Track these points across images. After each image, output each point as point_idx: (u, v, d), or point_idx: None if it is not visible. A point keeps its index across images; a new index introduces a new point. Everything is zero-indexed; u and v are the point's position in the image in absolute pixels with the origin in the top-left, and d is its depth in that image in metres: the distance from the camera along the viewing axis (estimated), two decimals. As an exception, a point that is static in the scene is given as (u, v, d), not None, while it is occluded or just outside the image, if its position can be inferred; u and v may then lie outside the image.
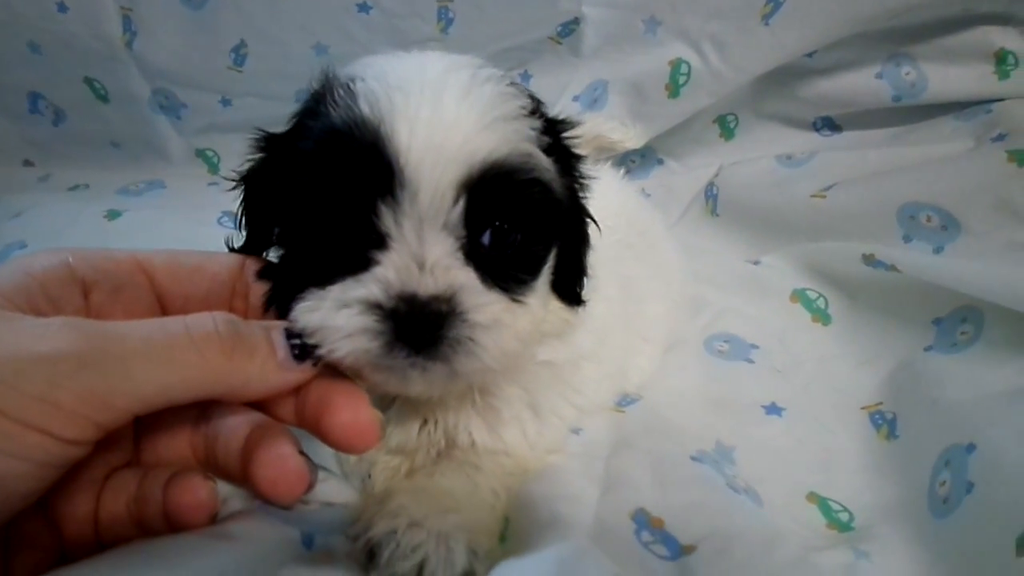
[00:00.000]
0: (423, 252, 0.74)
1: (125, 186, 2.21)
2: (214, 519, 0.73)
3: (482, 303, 0.75)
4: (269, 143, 0.88)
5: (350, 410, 0.72)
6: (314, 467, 0.72)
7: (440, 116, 0.75)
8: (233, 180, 0.91)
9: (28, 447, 0.59)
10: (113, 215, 1.85)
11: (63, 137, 2.44)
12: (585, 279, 0.97)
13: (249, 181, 0.89)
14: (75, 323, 0.64)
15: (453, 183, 0.74)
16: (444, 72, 0.80)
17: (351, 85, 0.79)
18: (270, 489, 0.70)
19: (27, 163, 2.51)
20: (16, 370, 0.59)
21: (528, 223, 0.81)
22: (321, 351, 0.73)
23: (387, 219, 0.74)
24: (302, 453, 0.72)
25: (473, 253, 0.77)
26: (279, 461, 0.70)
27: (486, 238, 0.78)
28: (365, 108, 0.75)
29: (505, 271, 0.80)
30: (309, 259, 0.79)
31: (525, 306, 0.82)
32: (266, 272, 0.84)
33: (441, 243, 0.75)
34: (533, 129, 0.82)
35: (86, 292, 0.77)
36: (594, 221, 0.97)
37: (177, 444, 0.78)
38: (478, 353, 0.75)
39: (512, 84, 0.86)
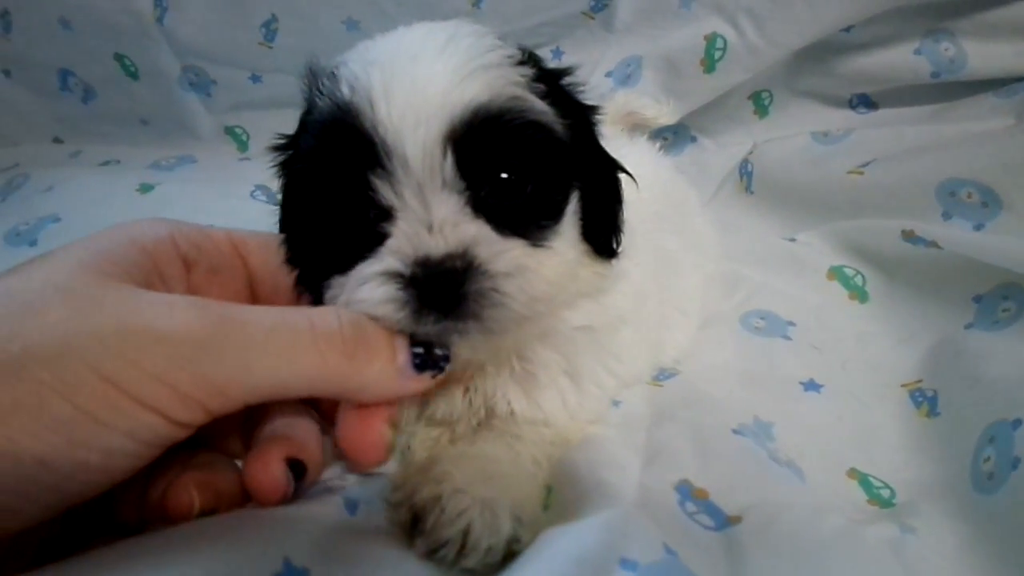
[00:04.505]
0: (429, 214, 0.74)
1: (156, 161, 2.21)
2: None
3: (498, 251, 0.75)
4: (284, 148, 0.89)
5: (361, 420, 0.74)
6: (292, 481, 0.75)
7: (415, 76, 0.75)
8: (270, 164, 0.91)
9: (138, 425, 0.60)
10: (146, 188, 1.86)
11: (93, 114, 2.45)
12: (619, 234, 0.94)
13: (284, 202, 0.90)
14: (200, 304, 0.65)
15: (439, 138, 0.73)
16: (421, 38, 0.80)
17: (335, 72, 0.79)
18: (250, 490, 0.74)
19: (57, 140, 2.53)
20: (138, 346, 0.59)
21: (531, 165, 0.79)
22: (445, 363, 0.75)
23: (386, 191, 0.75)
24: (294, 462, 0.74)
25: (482, 205, 0.76)
26: (262, 467, 0.73)
27: (491, 187, 0.77)
28: (346, 90, 0.76)
29: (521, 218, 0.79)
30: (329, 249, 0.79)
31: (550, 250, 0.81)
32: (293, 259, 0.85)
33: (445, 201, 0.75)
34: (523, 76, 0.81)
35: (187, 269, 0.78)
36: (627, 173, 0.95)
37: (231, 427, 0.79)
38: (505, 302, 0.74)
39: (499, 38, 0.85)
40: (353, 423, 0.74)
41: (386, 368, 0.71)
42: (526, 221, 0.80)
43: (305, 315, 0.69)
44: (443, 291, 0.73)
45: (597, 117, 0.94)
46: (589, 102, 0.94)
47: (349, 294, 0.75)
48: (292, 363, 0.66)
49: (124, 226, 0.75)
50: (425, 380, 0.74)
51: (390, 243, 0.75)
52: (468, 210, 0.76)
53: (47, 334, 0.58)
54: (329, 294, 0.78)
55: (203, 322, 0.63)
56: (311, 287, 0.83)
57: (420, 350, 0.73)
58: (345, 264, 0.77)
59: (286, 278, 0.86)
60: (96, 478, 0.61)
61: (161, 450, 0.64)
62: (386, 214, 0.76)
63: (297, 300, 0.85)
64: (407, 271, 0.72)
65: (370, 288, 0.73)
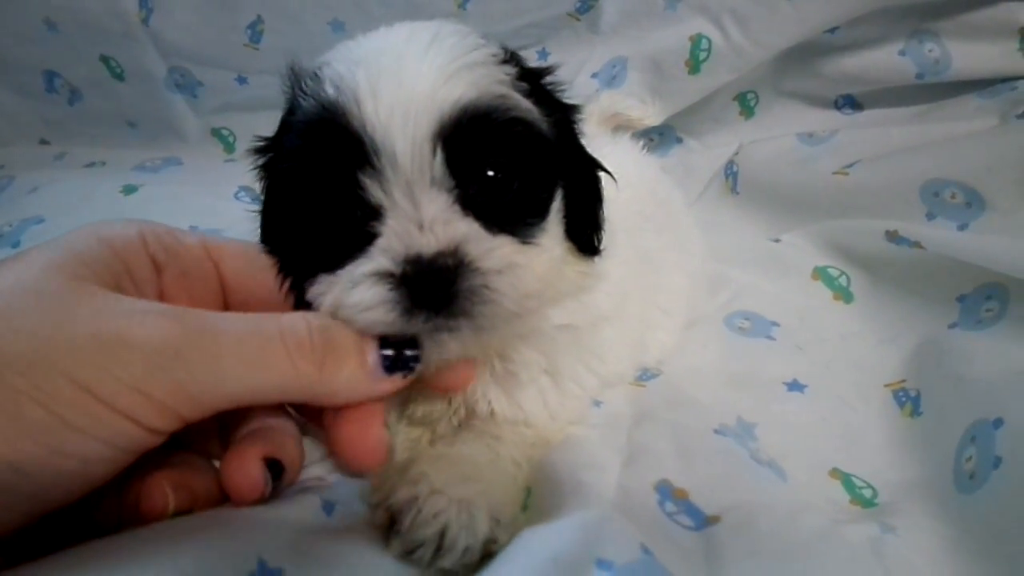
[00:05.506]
0: (419, 212, 0.74)
1: (142, 163, 2.21)
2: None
3: (489, 248, 0.75)
4: (265, 150, 0.88)
5: (359, 424, 0.74)
6: (269, 480, 0.75)
7: (401, 75, 0.75)
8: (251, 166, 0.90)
9: (115, 432, 0.60)
10: (129, 190, 1.85)
11: (79, 116, 2.43)
12: (601, 233, 0.94)
13: (266, 203, 0.89)
14: (173, 312, 0.65)
15: (427, 136, 0.73)
16: (406, 37, 0.80)
17: (318, 72, 0.79)
18: (227, 489, 0.74)
19: (43, 142, 2.51)
20: (113, 354, 0.60)
21: (518, 162, 0.79)
22: (415, 363, 0.74)
23: (375, 190, 0.74)
24: (272, 461, 0.74)
25: (471, 203, 0.76)
26: (239, 467, 0.74)
27: (479, 185, 0.77)
28: (331, 90, 0.76)
29: (509, 215, 0.79)
30: (317, 248, 0.79)
31: (538, 247, 0.81)
32: (277, 259, 0.85)
33: (435, 199, 0.75)
34: (507, 74, 0.81)
35: (157, 272, 0.77)
36: (607, 172, 0.96)
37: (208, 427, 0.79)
38: (496, 299, 0.74)
39: (481, 37, 0.85)
40: (351, 428, 0.74)
41: (356, 372, 0.72)
42: (513, 218, 0.80)
43: (276, 323, 0.69)
44: (434, 289, 0.72)
45: (578, 116, 0.94)
46: (570, 101, 0.94)
47: (339, 295, 0.74)
48: (263, 372, 0.66)
49: (95, 226, 0.74)
50: (396, 381, 0.74)
51: (380, 242, 0.74)
52: (457, 208, 0.75)
53: (21, 341, 0.58)
54: (315, 290, 0.78)
55: (176, 332, 0.63)
56: (296, 287, 0.83)
57: (390, 352, 0.73)
58: (333, 262, 0.77)
59: (259, 285, 0.85)
60: (73, 484, 0.61)
61: (137, 456, 0.64)
62: (375, 212, 0.75)
63: (277, 305, 0.85)
64: (398, 270, 0.72)
65: (361, 291, 0.73)
